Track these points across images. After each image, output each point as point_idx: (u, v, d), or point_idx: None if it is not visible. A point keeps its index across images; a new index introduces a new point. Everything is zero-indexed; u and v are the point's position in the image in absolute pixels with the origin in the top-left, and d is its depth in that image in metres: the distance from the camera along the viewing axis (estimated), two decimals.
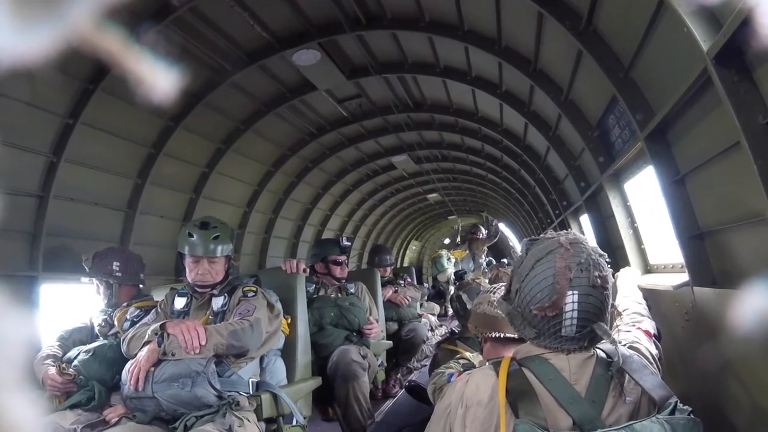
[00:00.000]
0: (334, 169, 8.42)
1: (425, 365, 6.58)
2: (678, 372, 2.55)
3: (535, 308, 1.65)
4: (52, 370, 3.10)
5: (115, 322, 3.50)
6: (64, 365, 3.15)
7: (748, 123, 1.66)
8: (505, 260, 11.08)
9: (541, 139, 4.81)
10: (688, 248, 2.37)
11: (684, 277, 2.45)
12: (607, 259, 1.69)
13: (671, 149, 2.46)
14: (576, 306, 1.61)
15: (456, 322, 10.15)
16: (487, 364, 1.84)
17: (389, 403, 6.13)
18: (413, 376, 6.92)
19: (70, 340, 3.47)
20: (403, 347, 6.32)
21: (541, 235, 1.79)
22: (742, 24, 1.51)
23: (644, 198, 3.39)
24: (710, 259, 2.31)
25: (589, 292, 1.62)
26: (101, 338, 3.48)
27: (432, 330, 8.61)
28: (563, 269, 1.62)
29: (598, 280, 1.63)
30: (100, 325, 3.60)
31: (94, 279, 3.76)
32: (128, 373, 2.76)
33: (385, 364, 5.60)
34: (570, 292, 1.61)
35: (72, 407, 3.00)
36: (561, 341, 1.66)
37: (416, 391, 5.25)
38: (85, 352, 3.22)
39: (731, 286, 2.08)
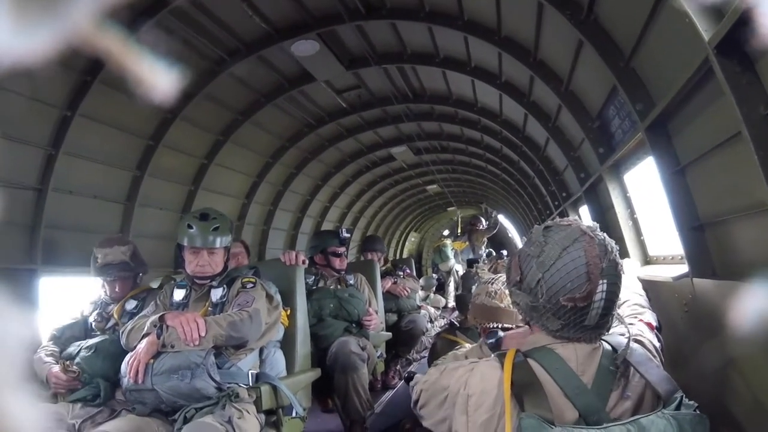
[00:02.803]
0: (333, 160, 8.41)
1: (424, 356, 6.59)
2: (678, 363, 2.55)
3: (564, 299, 1.58)
4: (56, 368, 3.05)
5: (114, 315, 3.48)
6: (68, 363, 3.10)
7: (750, 113, 1.64)
8: (504, 251, 11.05)
9: (541, 129, 4.80)
10: (688, 239, 2.36)
11: (683, 268, 2.44)
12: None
13: (672, 140, 2.45)
14: (604, 295, 1.58)
15: (456, 314, 10.16)
16: (492, 356, 1.82)
17: (389, 394, 6.15)
18: (412, 368, 6.94)
19: (63, 338, 3.42)
20: (402, 338, 6.32)
21: (555, 221, 1.73)
22: (744, 14, 1.50)
23: (644, 189, 3.38)
24: (710, 250, 2.30)
25: (616, 281, 1.61)
26: (99, 333, 3.45)
27: (431, 321, 8.62)
28: (595, 258, 1.58)
29: (620, 266, 1.63)
30: (95, 319, 3.55)
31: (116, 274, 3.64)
32: (128, 365, 2.76)
33: (385, 356, 5.60)
34: (601, 281, 1.57)
35: (75, 401, 2.99)
36: (583, 330, 1.62)
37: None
38: (86, 348, 3.18)
39: (731, 277, 2.07)
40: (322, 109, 6.67)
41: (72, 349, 3.24)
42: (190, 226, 3.17)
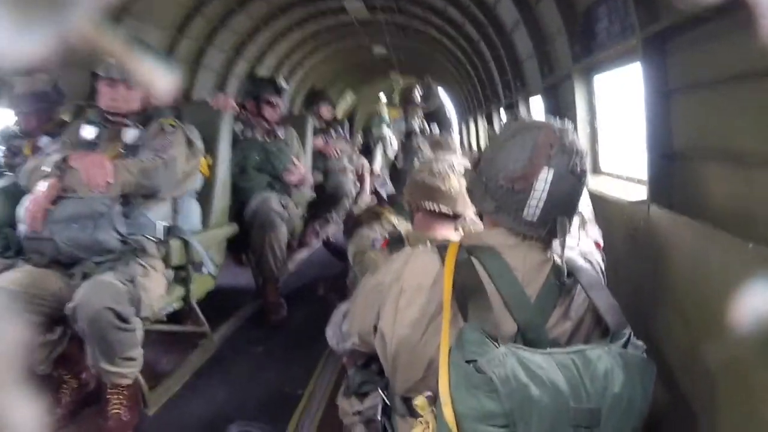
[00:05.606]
0: (280, 0, 7.62)
1: (342, 218, 6.51)
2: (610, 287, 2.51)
3: (503, 178, 1.49)
4: None
5: (25, 151, 3.14)
6: None
7: None
8: (435, 125, 10.91)
9: (514, 12, 4.39)
10: (655, 165, 2.23)
11: (640, 192, 2.35)
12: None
13: (666, 59, 2.21)
14: (547, 186, 1.46)
15: (380, 180, 10.11)
16: (429, 245, 1.66)
17: (305, 253, 6.09)
18: (330, 229, 6.84)
19: None
20: (325, 199, 6.24)
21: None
22: None
23: (609, 102, 3.24)
24: (674, 182, 2.18)
25: (565, 176, 1.47)
26: (5, 169, 3.13)
27: (354, 185, 8.56)
28: (544, 143, 1.47)
29: (578, 168, 1.49)
30: (3, 154, 3.21)
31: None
32: (25, 210, 2.42)
33: (306, 215, 5.50)
34: (546, 168, 1.46)
35: None
36: (518, 222, 1.51)
37: (333, 248, 5.20)
38: None
39: (689, 215, 1.96)
40: None
41: None
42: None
